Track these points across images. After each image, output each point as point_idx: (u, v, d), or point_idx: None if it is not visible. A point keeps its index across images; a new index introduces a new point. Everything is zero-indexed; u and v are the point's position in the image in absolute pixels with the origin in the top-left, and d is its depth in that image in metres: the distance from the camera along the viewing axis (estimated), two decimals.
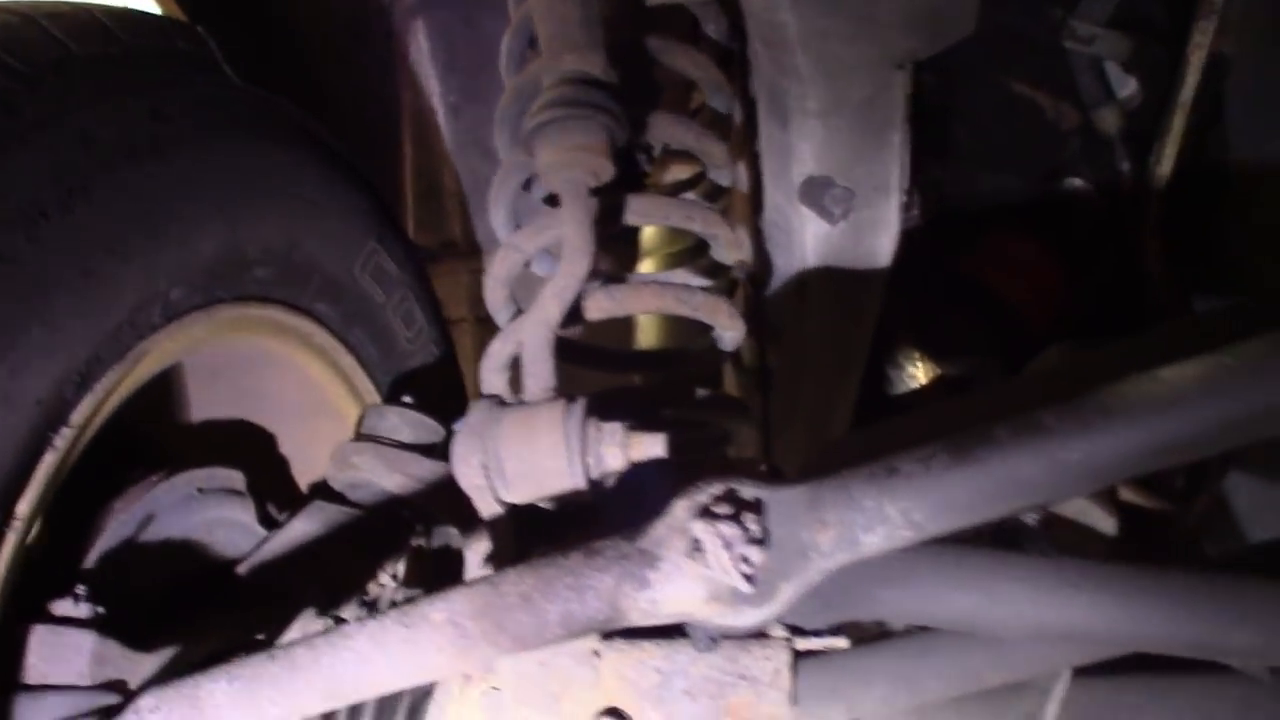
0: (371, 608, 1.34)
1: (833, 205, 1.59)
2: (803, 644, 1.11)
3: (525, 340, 1.14)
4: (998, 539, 1.17)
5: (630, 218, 1.31)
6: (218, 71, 1.28)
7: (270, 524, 1.48)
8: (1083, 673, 1.16)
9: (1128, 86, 1.74)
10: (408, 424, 1.49)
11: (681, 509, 0.89)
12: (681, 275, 1.57)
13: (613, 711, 1.09)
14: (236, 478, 1.45)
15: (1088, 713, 1.20)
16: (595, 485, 1.08)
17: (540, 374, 1.12)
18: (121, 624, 1.19)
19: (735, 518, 0.87)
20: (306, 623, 1.29)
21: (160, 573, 1.31)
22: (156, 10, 1.86)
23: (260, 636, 1.26)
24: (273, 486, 1.50)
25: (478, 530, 1.19)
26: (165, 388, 1.48)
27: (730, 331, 1.35)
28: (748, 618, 0.89)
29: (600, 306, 1.26)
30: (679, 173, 1.57)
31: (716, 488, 0.89)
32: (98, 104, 1.10)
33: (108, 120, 1.10)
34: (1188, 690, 1.19)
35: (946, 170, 1.90)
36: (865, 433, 1.18)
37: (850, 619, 0.99)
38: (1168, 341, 1.00)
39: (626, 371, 1.57)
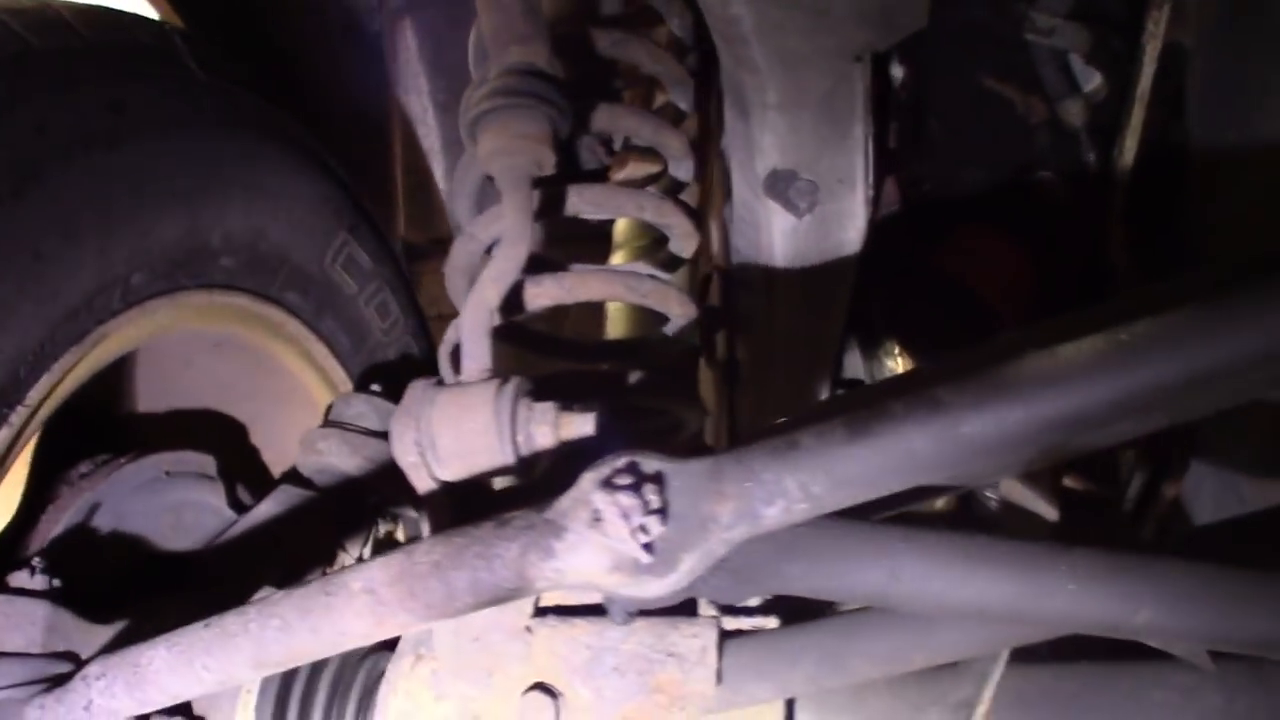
0: None
1: (797, 198, 1.61)
2: (731, 623, 1.14)
3: (463, 322, 1.16)
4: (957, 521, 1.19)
5: (581, 207, 1.34)
6: (181, 65, 1.32)
7: (241, 508, 1.52)
8: (1022, 657, 1.17)
9: (1092, 79, 1.75)
10: (375, 411, 1.53)
11: (587, 481, 0.91)
12: (644, 267, 1.59)
13: (541, 686, 1.12)
14: (207, 462, 1.49)
15: (1024, 697, 1.21)
16: (525, 462, 1.10)
17: (476, 354, 1.15)
18: (81, 598, 1.23)
19: (635, 489, 0.89)
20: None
21: (123, 552, 1.35)
22: (150, 11, 1.92)
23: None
24: (244, 471, 1.54)
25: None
26: (133, 372, 1.52)
27: (681, 319, 1.37)
28: (651, 588, 0.91)
29: (547, 293, 1.28)
30: (644, 168, 1.60)
31: (620, 461, 0.91)
32: (54, 95, 1.14)
33: (63, 110, 1.14)
34: (1130, 677, 1.19)
35: (922, 164, 1.91)
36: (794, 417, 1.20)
37: (759, 593, 1.01)
38: (1093, 317, 1.01)
39: (591, 360, 1.59)
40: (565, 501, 0.92)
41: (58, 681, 1.11)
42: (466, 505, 1.19)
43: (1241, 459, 1.54)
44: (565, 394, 1.17)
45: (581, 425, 1.11)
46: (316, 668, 1.27)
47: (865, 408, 0.89)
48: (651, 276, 1.37)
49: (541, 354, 1.47)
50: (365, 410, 1.51)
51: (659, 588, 0.91)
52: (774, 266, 1.69)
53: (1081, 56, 1.73)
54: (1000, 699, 1.18)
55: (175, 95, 1.30)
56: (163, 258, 1.28)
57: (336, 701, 1.27)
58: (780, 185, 1.60)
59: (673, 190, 1.55)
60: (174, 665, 1.04)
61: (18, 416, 1.12)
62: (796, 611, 1.14)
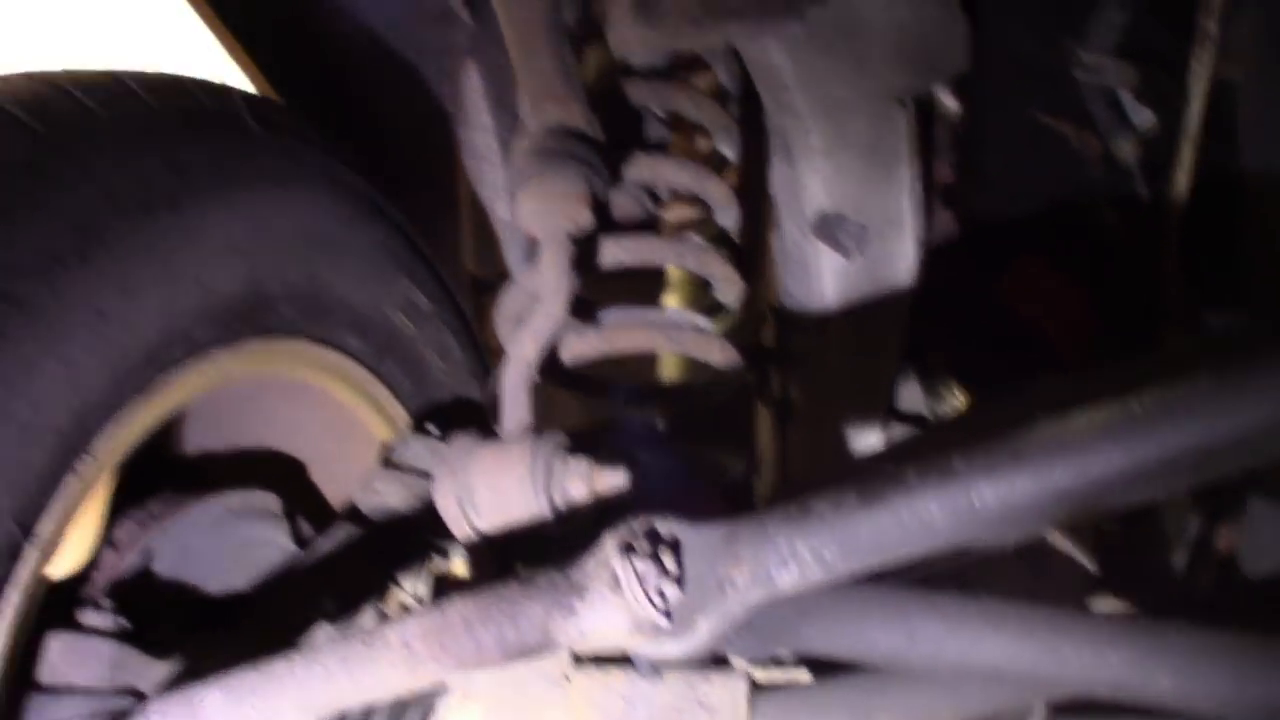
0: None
1: (846, 240, 1.62)
2: (762, 676, 1.16)
3: (504, 378, 1.20)
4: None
5: (622, 258, 1.37)
6: (240, 125, 1.38)
7: (304, 544, 1.58)
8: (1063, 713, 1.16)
9: (1144, 115, 1.73)
10: (430, 452, 1.58)
11: (609, 544, 0.94)
12: (686, 314, 1.60)
13: None
14: (271, 500, 1.55)
15: None
16: (561, 515, 1.14)
17: (515, 410, 1.19)
18: (146, 633, 1.30)
19: (653, 554, 0.92)
20: (319, 636, 1.38)
21: (186, 587, 1.42)
22: (249, 86, 2.00)
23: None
24: (306, 508, 1.60)
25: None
26: (200, 418, 1.59)
27: (725, 366, 1.39)
28: (670, 649, 0.94)
29: (589, 345, 1.32)
30: (693, 215, 1.62)
31: (638, 525, 0.94)
32: (119, 162, 1.21)
33: (128, 177, 1.21)
34: None
35: (980, 197, 1.91)
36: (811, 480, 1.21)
37: (781, 652, 1.02)
38: (1110, 379, 1.01)
39: (640, 403, 1.62)
40: (589, 563, 0.95)
41: (119, 717, 1.18)
42: (506, 552, 1.23)
43: None
44: (606, 443, 1.20)
45: (615, 479, 1.14)
46: None
47: (879, 475, 0.91)
48: (694, 325, 1.39)
49: (591, 396, 1.50)
50: (421, 452, 1.56)
51: (677, 649, 0.94)
52: (825, 307, 1.70)
53: (1130, 93, 1.71)
54: None
55: (234, 155, 1.36)
56: (223, 309, 1.34)
57: None
58: (829, 227, 1.61)
59: (719, 237, 1.58)
60: (225, 707, 1.09)
61: (84, 465, 1.18)
62: (828, 665, 1.15)
